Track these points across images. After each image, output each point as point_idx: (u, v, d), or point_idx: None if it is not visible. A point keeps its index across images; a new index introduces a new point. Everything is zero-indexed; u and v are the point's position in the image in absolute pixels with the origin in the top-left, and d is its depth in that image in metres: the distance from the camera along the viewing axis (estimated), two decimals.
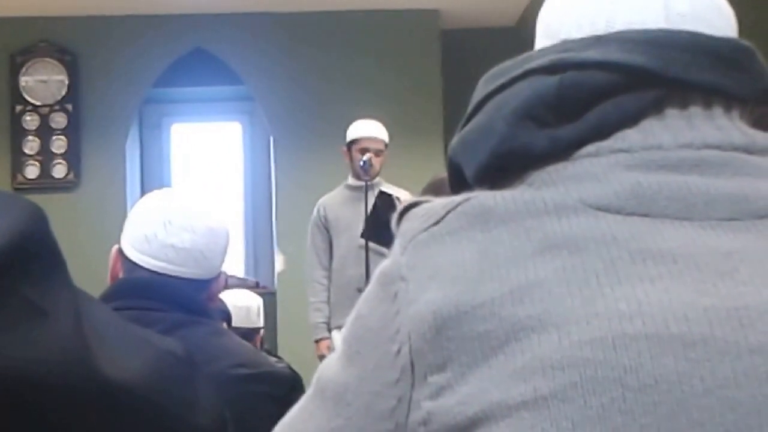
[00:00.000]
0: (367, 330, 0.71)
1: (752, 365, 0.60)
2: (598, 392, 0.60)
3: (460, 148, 0.76)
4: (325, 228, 4.28)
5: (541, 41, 0.79)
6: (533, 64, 0.73)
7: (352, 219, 4.15)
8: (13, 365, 0.73)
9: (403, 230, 0.72)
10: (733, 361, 0.60)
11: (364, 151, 4.18)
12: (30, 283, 0.75)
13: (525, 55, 0.75)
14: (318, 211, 4.31)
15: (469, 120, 0.76)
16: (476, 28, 5.87)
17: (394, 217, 0.75)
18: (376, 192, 4.07)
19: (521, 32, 5.67)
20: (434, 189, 1.72)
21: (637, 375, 0.59)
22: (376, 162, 4.18)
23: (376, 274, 0.73)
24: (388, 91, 5.45)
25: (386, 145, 4.25)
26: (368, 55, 5.54)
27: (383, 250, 3.92)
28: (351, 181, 4.29)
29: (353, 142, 4.24)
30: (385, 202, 3.94)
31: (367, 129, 4.24)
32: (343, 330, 0.75)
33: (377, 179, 4.23)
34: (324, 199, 4.35)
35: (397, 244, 0.72)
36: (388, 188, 4.11)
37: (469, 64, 5.15)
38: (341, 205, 4.26)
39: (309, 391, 0.76)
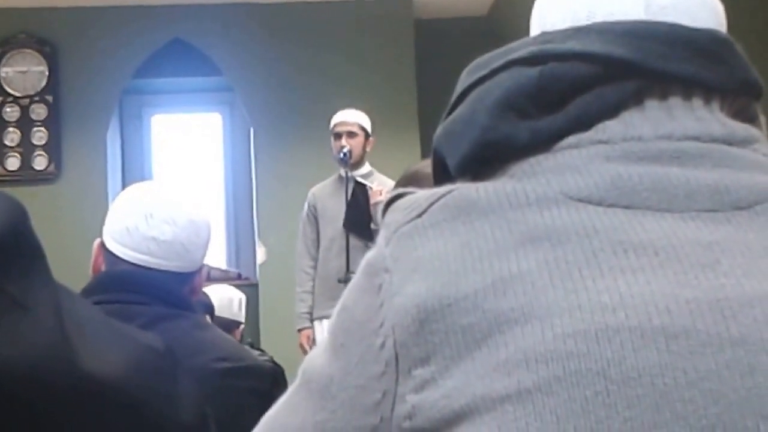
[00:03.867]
0: (351, 322, 0.71)
1: (734, 357, 0.60)
2: (582, 385, 0.59)
3: (443, 138, 0.76)
4: (314, 218, 4.29)
5: (534, 32, 0.79)
6: (514, 56, 0.73)
7: (337, 209, 4.16)
8: None
9: (387, 222, 0.72)
10: (716, 353, 0.60)
11: (338, 136, 4.19)
12: (11, 279, 0.75)
13: (506, 46, 0.75)
14: (308, 200, 4.32)
15: (452, 111, 0.76)
16: (448, 17, 5.90)
17: (380, 208, 0.75)
18: (352, 185, 4.08)
19: (493, 21, 5.70)
20: (411, 180, 1.71)
21: (619, 368, 0.59)
22: (350, 144, 4.16)
23: (361, 265, 0.73)
24: (364, 80, 5.46)
25: (363, 129, 4.23)
26: (344, 45, 5.55)
27: (363, 241, 3.94)
28: (342, 171, 4.29)
29: (331, 131, 4.26)
30: (361, 191, 3.95)
31: (340, 115, 4.26)
32: (330, 320, 0.75)
33: (368, 169, 4.23)
34: (315, 189, 4.35)
35: (382, 235, 0.72)
36: (362, 178, 4.12)
37: (441, 53, 5.18)
38: (329, 196, 4.27)
39: (294, 384, 0.76)
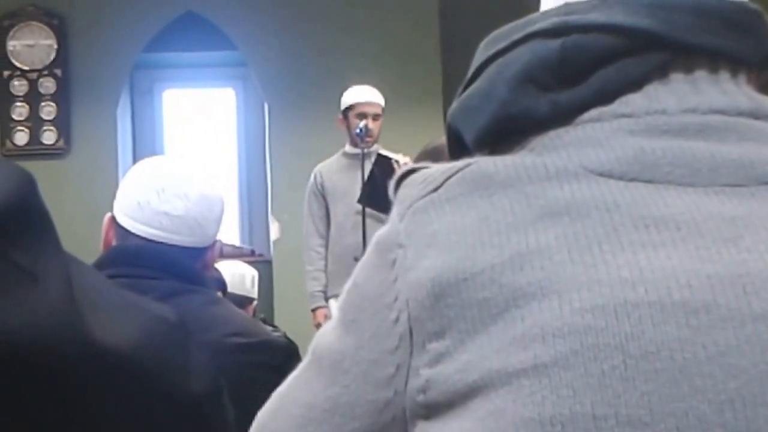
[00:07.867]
0: (364, 298, 0.70)
1: (755, 332, 0.59)
2: (599, 359, 0.59)
3: (459, 112, 0.75)
4: (322, 195, 4.26)
5: (547, 1, 0.78)
6: (535, 27, 0.71)
7: (349, 187, 4.13)
8: (3, 331, 0.73)
9: (401, 197, 0.71)
10: (736, 328, 0.59)
11: (361, 116, 4.14)
12: (20, 249, 0.75)
13: (527, 18, 0.74)
14: (315, 178, 4.29)
15: (469, 84, 0.75)
16: None
17: (392, 183, 0.74)
18: (373, 159, 4.04)
19: None
20: (430, 155, 1.70)
21: (638, 342, 0.59)
22: (374, 127, 4.14)
23: (373, 241, 0.72)
24: (385, 54, 5.39)
25: (383, 110, 4.21)
26: (364, 16, 5.48)
27: (381, 216, 3.91)
28: (348, 148, 4.26)
29: (349, 108, 4.20)
30: (384, 165, 3.91)
31: (363, 94, 4.20)
32: (340, 298, 0.75)
33: (375, 146, 4.19)
34: (321, 166, 4.32)
35: (395, 211, 0.71)
36: (386, 152, 4.08)
37: (466, 27, 5.11)
38: (338, 173, 4.24)
39: (305, 360, 0.76)
